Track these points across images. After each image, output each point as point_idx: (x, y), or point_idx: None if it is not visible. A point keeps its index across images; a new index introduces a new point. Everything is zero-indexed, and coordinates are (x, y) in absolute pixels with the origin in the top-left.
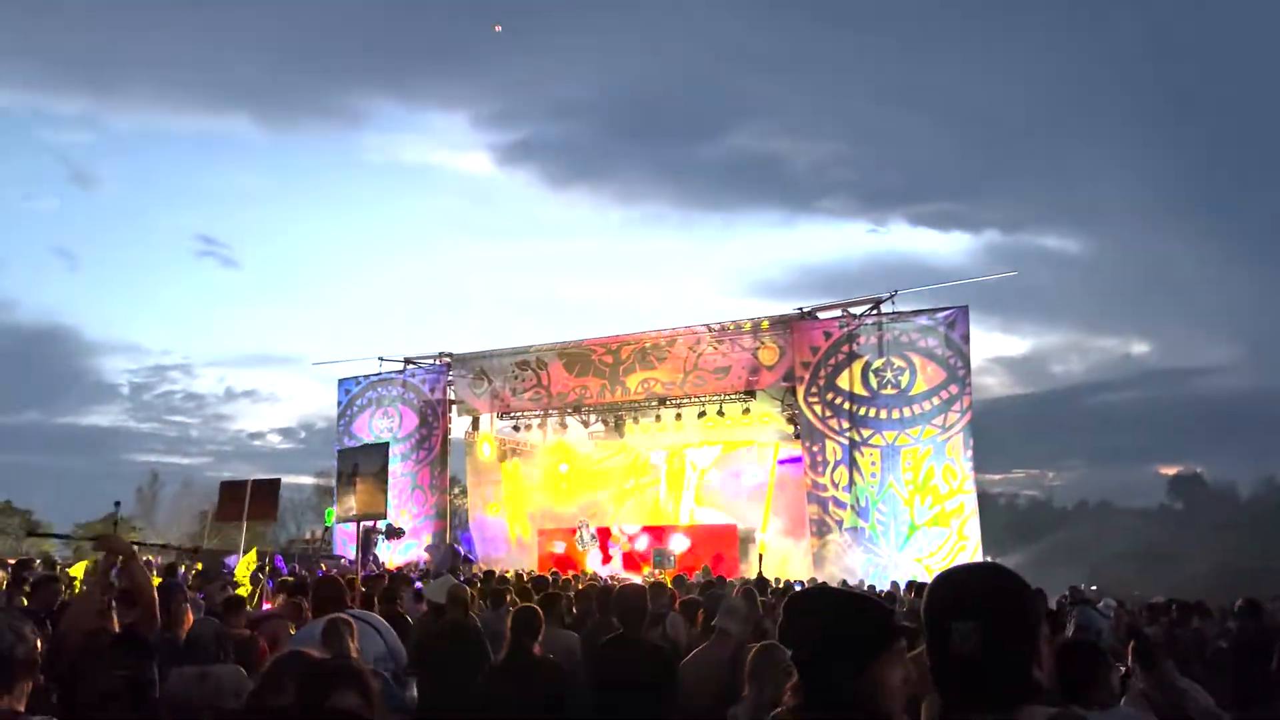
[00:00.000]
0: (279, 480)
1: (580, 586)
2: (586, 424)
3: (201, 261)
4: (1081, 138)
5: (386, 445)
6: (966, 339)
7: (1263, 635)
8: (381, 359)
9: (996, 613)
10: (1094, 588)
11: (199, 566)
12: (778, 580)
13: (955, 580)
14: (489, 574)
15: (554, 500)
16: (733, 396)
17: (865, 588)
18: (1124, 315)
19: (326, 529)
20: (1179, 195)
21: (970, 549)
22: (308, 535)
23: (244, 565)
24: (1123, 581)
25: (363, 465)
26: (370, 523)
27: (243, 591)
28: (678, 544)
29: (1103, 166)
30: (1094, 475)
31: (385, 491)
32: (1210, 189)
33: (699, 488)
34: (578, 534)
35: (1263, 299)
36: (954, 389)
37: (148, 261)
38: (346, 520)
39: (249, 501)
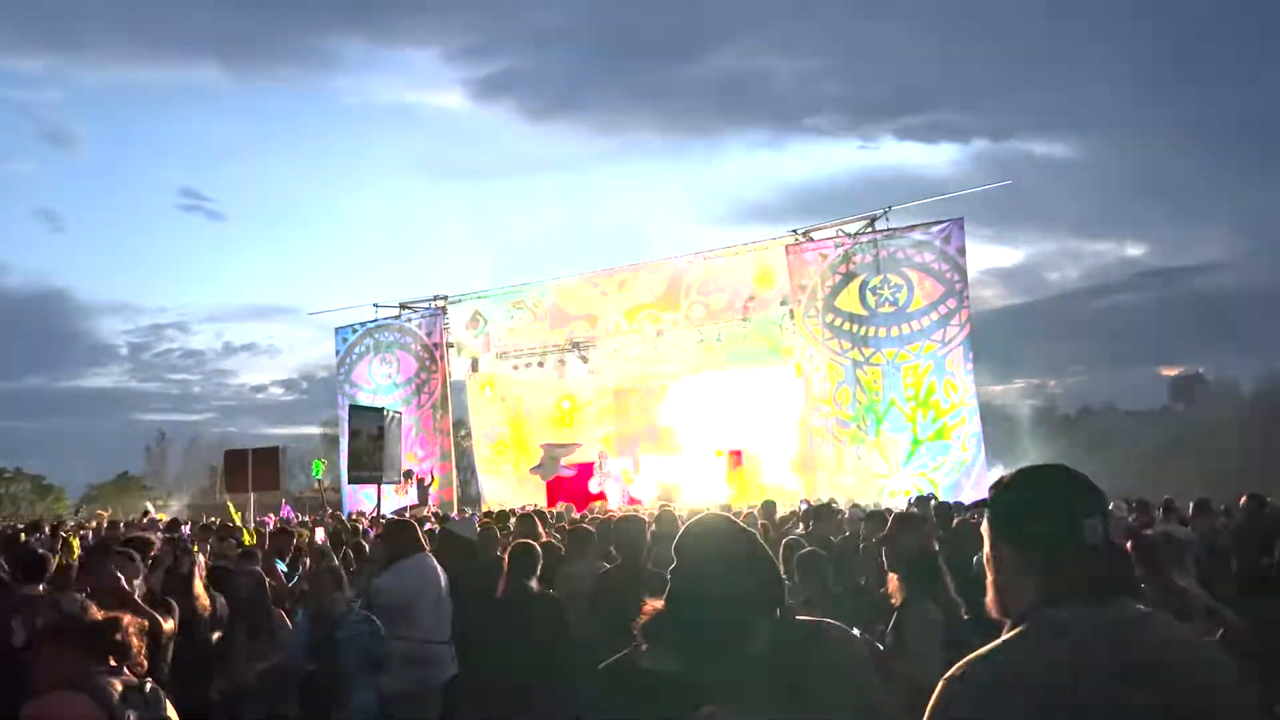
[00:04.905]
0: (279, 449)
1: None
2: (586, 359)
3: (187, 216)
4: (1067, 38)
5: (399, 413)
6: (962, 252)
7: (1265, 528)
8: (377, 305)
9: (1106, 509)
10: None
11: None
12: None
13: (1081, 481)
14: (501, 514)
15: (558, 437)
16: (731, 322)
17: (871, 503)
18: (1118, 217)
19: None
20: (1168, 90)
21: (974, 461)
22: (315, 485)
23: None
24: (1131, 486)
25: (388, 429)
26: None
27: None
28: (683, 472)
29: (1089, 66)
30: (1095, 380)
31: (400, 459)
32: (1200, 82)
33: (702, 417)
34: (596, 466)
35: (1258, 192)
36: (952, 303)
37: (133, 219)
38: (372, 482)
39: (252, 471)
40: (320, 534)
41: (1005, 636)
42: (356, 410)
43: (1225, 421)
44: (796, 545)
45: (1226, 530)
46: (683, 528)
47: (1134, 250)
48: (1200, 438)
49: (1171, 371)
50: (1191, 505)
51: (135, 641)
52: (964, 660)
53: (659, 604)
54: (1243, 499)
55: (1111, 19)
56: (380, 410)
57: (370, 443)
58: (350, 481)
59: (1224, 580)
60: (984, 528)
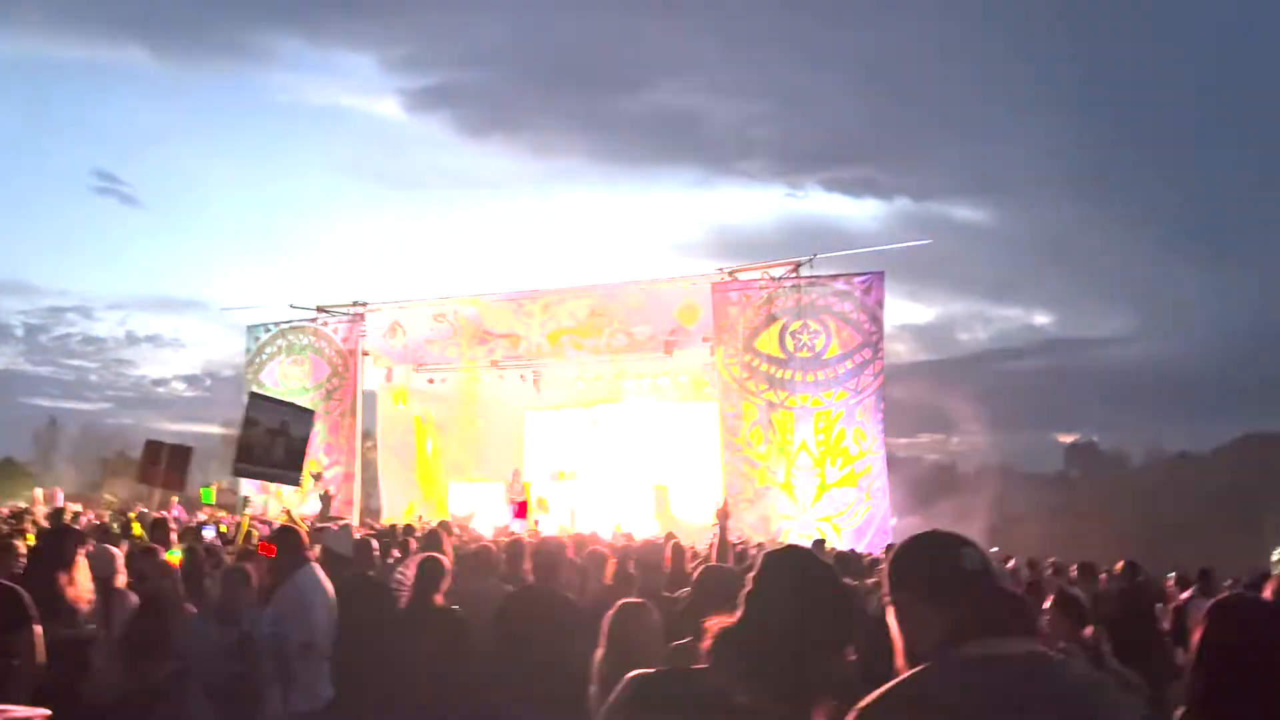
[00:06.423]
0: (191, 451)
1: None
2: (504, 379)
3: (99, 199)
4: (992, 110)
5: (313, 413)
6: (881, 304)
7: (1141, 595)
8: (293, 306)
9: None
10: (995, 549)
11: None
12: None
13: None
14: (392, 527)
15: (469, 455)
16: (651, 355)
17: (778, 542)
18: (1027, 285)
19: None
20: (1082, 171)
21: (878, 509)
22: (214, 486)
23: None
24: (1021, 545)
25: (293, 425)
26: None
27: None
28: (592, 500)
29: (1011, 140)
30: (996, 441)
31: (304, 458)
32: (1112, 166)
33: (616, 446)
34: (511, 485)
35: (1157, 273)
36: (867, 353)
37: (40, 197)
38: (263, 477)
39: (165, 468)
40: (210, 533)
41: (911, 671)
42: (258, 399)
43: (1114, 490)
44: None
45: (1111, 595)
46: (764, 554)
47: (1041, 318)
48: (1091, 504)
49: (1068, 438)
50: (1075, 569)
51: None
52: (874, 693)
53: (727, 620)
54: (1119, 565)
55: (1034, 96)
56: (290, 405)
57: (268, 436)
58: (234, 474)
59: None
60: (883, 590)
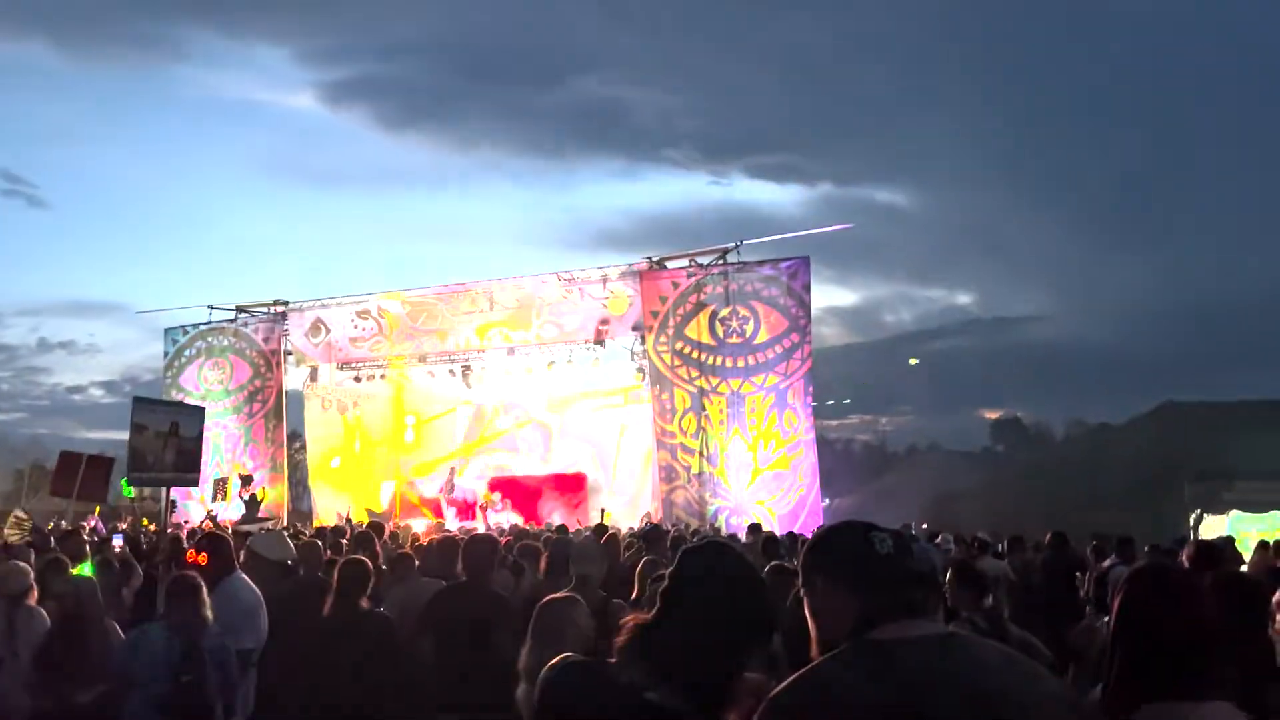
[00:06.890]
0: (113, 461)
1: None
2: (432, 375)
3: (5, 201)
4: (912, 96)
5: (203, 410)
6: (807, 289)
7: (1069, 564)
8: (211, 307)
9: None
10: (924, 525)
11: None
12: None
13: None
14: (321, 529)
15: (399, 454)
16: (582, 346)
17: (710, 529)
18: (950, 267)
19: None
20: (1001, 155)
21: (809, 491)
22: (131, 501)
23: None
24: (951, 521)
25: (184, 425)
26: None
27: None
28: (528, 495)
29: (931, 125)
30: (923, 420)
31: (200, 458)
32: (1029, 151)
33: (549, 438)
34: (447, 482)
35: (1072, 253)
36: (795, 337)
37: None
38: (158, 484)
39: (81, 477)
40: (118, 542)
41: (825, 656)
42: (143, 403)
43: (1039, 463)
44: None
45: (1036, 565)
46: (685, 549)
47: (963, 298)
48: (1017, 478)
49: (993, 415)
50: (1005, 541)
51: None
52: (787, 681)
53: (643, 617)
54: (1048, 536)
55: (952, 84)
56: (176, 404)
57: (158, 439)
58: (129, 484)
59: (1035, 610)
60: (800, 579)
